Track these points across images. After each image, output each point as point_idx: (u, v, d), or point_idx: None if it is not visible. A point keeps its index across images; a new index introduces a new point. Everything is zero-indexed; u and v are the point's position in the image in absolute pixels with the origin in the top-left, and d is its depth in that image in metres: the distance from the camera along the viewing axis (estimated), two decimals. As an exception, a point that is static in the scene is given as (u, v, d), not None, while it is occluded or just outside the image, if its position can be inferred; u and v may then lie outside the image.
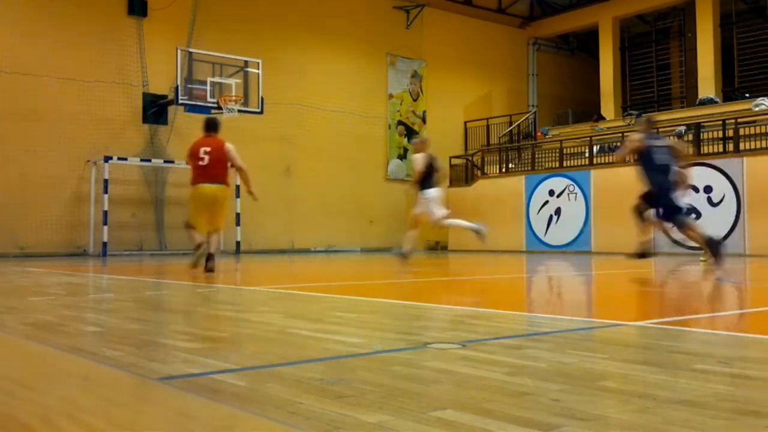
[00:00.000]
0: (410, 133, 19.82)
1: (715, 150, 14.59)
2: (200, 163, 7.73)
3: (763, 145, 13.71)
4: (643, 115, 18.41)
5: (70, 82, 14.32)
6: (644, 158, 8.40)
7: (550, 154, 17.86)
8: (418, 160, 9.94)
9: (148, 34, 15.27)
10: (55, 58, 14.14)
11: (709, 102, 18.22)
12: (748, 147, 13.94)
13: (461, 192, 18.26)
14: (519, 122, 20.47)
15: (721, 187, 13.43)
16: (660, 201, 8.30)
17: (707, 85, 19.09)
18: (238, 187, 15.33)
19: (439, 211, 10.04)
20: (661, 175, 8.30)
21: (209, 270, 7.40)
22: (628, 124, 18.42)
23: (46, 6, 14.21)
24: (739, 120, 14.41)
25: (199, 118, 15.05)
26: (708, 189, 13.66)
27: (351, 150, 18.14)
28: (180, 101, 14.18)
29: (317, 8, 17.87)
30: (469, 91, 21.34)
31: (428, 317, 3.84)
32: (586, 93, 22.59)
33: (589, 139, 16.93)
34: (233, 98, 14.47)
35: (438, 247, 19.47)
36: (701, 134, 14.98)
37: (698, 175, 13.83)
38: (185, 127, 15.60)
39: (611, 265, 10.23)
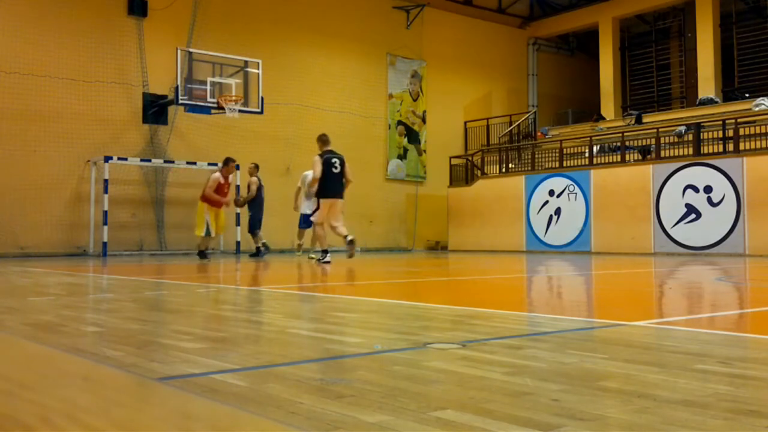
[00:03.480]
0: (410, 133, 19.82)
1: (715, 150, 14.60)
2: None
3: (763, 145, 13.71)
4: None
5: (71, 82, 14.33)
6: None
7: (550, 154, 17.86)
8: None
9: (148, 34, 15.27)
10: (55, 58, 14.14)
11: (709, 102, 18.22)
12: (748, 147, 13.94)
13: (461, 192, 18.27)
14: (519, 122, 20.48)
15: (721, 187, 13.44)
16: None
17: (707, 85, 19.09)
18: (238, 187, 15.34)
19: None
20: None
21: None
22: (628, 124, 18.44)
23: (46, 6, 14.20)
24: (739, 120, 14.41)
25: (200, 118, 15.23)
26: (708, 189, 13.67)
27: (351, 150, 18.00)
28: (180, 101, 14.18)
29: (317, 8, 17.87)
30: (469, 91, 21.34)
31: (428, 317, 3.84)
32: (586, 93, 22.59)
33: (589, 139, 16.94)
34: (233, 98, 14.47)
35: (438, 247, 19.47)
36: (701, 134, 14.98)
37: (698, 175, 13.86)
38: (185, 127, 15.61)
39: (611, 265, 10.23)
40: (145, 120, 15.23)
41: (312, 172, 13.50)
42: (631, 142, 16.16)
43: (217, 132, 15.73)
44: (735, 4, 20.39)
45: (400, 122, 19.61)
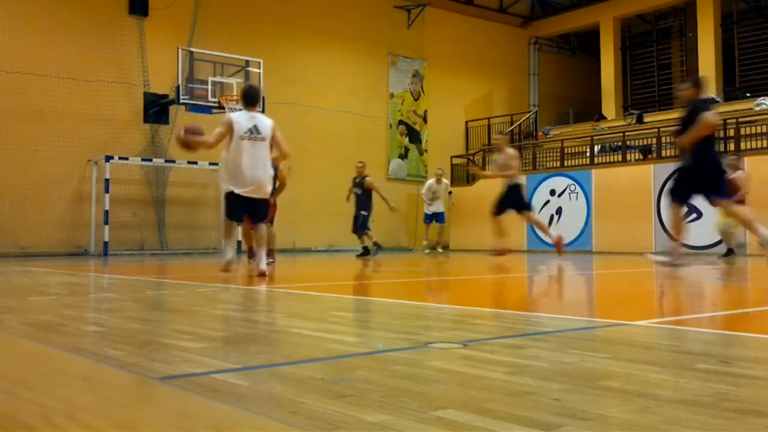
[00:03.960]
0: (411, 132, 19.82)
1: (717, 149, 14.58)
2: None
3: (764, 144, 13.71)
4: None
5: (72, 82, 14.33)
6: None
7: (551, 154, 17.85)
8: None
9: (149, 34, 15.27)
10: (56, 57, 14.14)
11: (710, 102, 18.20)
12: (749, 146, 13.93)
13: (462, 191, 18.26)
14: (520, 122, 20.47)
15: (723, 187, 13.40)
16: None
17: (708, 84, 19.07)
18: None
19: None
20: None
21: None
22: (629, 124, 18.42)
23: (47, 6, 14.21)
24: (740, 120, 14.41)
25: (201, 118, 15.21)
26: (709, 188, 13.63)
27: (352, 150, 18.11)
28: (181, 101, 14.18)
29: (318, 8, 17.87)
30: (470, 91, 21.33)
31: (429, 317, 3.84)
32: (587, 92, 22.58)
33: (590, 138, 16.93)
34: (234, 98, 14.46)
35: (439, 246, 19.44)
36: (702, 134, 14.96)
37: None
38: (186, 126, 15.60)
39: (612, 264, 10.22)
40: (146, 119, 15.23)
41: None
42: (632, 142, 16.15)
43: (218, 132, 15.71)
44: (736, 4, 20.37)
45: (401, 122, 19.61)
